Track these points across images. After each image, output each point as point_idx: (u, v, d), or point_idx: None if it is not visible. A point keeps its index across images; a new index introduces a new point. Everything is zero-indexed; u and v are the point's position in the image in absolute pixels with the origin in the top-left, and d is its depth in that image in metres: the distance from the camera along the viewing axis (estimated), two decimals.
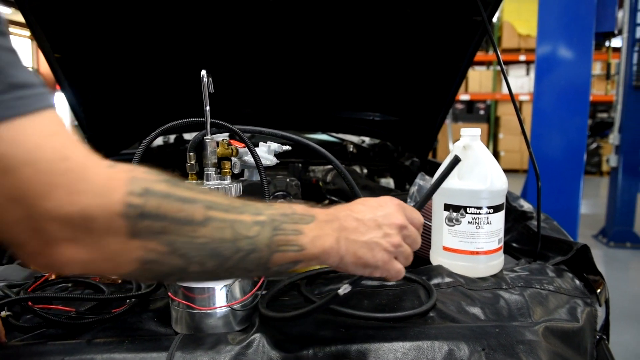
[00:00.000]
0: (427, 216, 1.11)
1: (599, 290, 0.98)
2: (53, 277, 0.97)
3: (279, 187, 1.43)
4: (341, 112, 2.03)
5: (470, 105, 8.49)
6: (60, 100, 1.90)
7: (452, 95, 1.79)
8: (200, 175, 0.90)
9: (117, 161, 0.53)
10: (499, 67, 7.09)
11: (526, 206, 1.37)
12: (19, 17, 1.40)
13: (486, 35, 1.43)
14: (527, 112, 4.80)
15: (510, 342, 0.77)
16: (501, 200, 1.03)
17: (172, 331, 0.82)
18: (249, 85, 1.86)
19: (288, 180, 1.45)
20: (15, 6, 1.38)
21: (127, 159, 0.78)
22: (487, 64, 8.51)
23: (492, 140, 8.49)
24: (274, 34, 1.61)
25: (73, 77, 1.67)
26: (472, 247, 1.01)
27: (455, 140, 1.10)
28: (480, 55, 7.83)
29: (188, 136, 2.38)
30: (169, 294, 0.82)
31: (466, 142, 1.05)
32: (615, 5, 3.95)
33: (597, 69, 7.58)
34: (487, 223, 1.01)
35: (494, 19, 6.75)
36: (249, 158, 0.95)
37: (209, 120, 0.88)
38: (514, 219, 1.34)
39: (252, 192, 0.82)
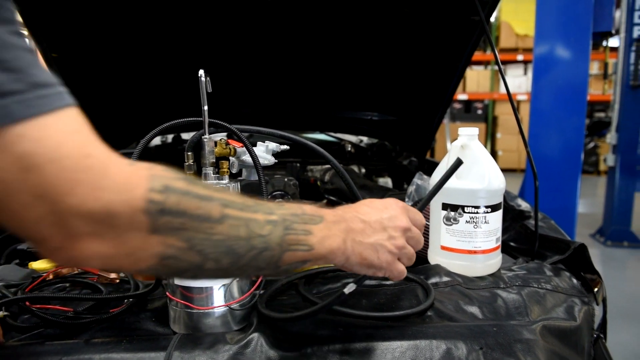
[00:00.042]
0: (425, 215, 1.11)
1: (596, 289, 0.99)
2: (51, 277, 0.97)
3: (277, 186, 1.43)
4: (339, 111, 2.03)
5: (468, 104, 8.49)
6: None
7: (450, 95, 1.80)
8: (198, 175, 0.90)
9: None
10: (496, 67, 7.10)
11: (524, 205, 1.37)
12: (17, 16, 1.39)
13: (484, 34, 1.43)
14: (525, 111, 4.82)
15: (507, 341, 0.77)
16: (499, 199, 1.03)
17: (170, 331, 0.82)
18: (247, 85, 1.86)
19: (286, 179, 1.45)
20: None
21: None
22: (485, 63, 8.52)
23: (489, 139, 8.50)
24: (272, 34, 1.61)
25: (70, 76, 1.66)
26: (469, 247, 1.01)
27: (453, 139, 1.10)
28: (478, 55, 7.83)
29: (186, 136, 2.38)
30: (167, 293, 0.82)
31: (464, 142, 1.05)
32: (612, 5, 3.96)
33: (594, 68, 7.59)
34: (485, 222, 1.01)
35: (492, 19, 6.76)
36: (247, 157, 0.95)
37: (206, 119, 0.88)
38: (512, 218, 1.34)
39: (250, 191, 0.82)
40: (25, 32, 0.47)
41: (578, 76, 3.48)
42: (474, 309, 0.88)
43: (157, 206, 0.50)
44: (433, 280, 0.96)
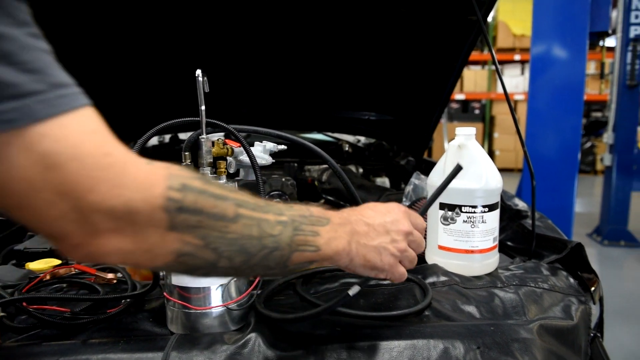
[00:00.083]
0: (424, 217, 1.11)
1: (593, 289, 0.99)
2: (48, 277, 0.96)
3: (274, 186, 1.43)
4: (337, 111, 2.03)
5: (465, 104, 8.51)
6: None
7: (447, 95, 1.80)
8: None
9: None
10: (494, 67, 7.11)
11: (521, 205, 1.37)
12: None
13: (481, 34, 1.43)
14: (522, 111, 4.83)
15: (505, 340, 0.77)
16: (496, 199, 1.03)
17: (167, 331, 0.82)
18: (245, 84, 1.86)
19: (284, 179, 1.45)
20: None
21: None
22: (482, 63, 8.53)
23: (487, 139, 8.52)
24: (270, 34, 1.61)
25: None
26: (467, 246, 1.01)
27: (451, 139, 1.10)
28: (475, 55, 7.84)
29: (183, 136, 2.37)
30: (165, 294, 0.82)
31: (461, 141, 1.05)
32: (609, 5, 3.97)
33: (591, 68, 7.61)
34: (482, 222, 1.01)
35: (489, 19, 6.78)
36: (245, 157, 0.95)
37: (204, 119, 0.88)
38: (509, 217, 1.35)
39: (248, 191, 0.82)
40: (40, 33, 0.48)
41: (575, 76, 3.49)
42: (471, 309, 0.88)
43: (175, 204, 0.51)
44: (430, 279, 0.96)
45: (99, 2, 1.43)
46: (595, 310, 0.97)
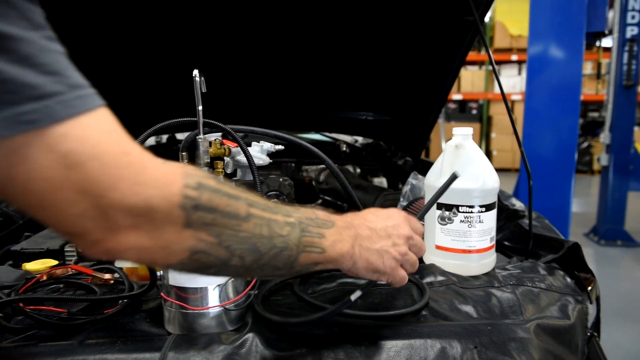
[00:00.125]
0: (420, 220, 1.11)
1: (589, 288, 0.99)
2: (44, 278, 0.96)
3: (271, 186, 1.43)
4: (334, 111, 2.03)
5: (462, 104, 8.52)
6: None
7: (445, 95, 1.80)
8: None
9: None
10: (491, 67, 7.13)
11: (518, 205, 1.37)
12: None
13: (478, 35, 1.43)
14: (519, 111, 4.83)
15: (502, 339, 0.78)
16: (493, 199, 1.04)
17: (164, 331, 0.82)
18: (243, 84, 1.86)
19: (281, 179, 1.45)
20: None
21: None
22: (480, 63, 8.54)
23: (484, 139, 8.53)
24: (268, 34, 1.61)
25: None
26: (464, 246, 1.02)
27: (448, 139, 1.10)
28: (472, 55, 7.86)
29: (181, 136, 2.37)
30: (162, 294, 0.82)
31: (458, 141, 1.05)
32: (605, 6, 3.98)
33: (588, 68, 7.64)
34: (479, 222, 1.01)
35: (486, 19, 6.78)
36: (242, 158, 0.95)
37: (201, 119, 0.88)
38: (506, 217, 1.35)
39: None
40: (55, 36, 0.49)
41: (572, 76, 3.50)
42: (468, 308, 0.88)
43: (192, 202, 0.52)
44: (428, 279, 0.96)
45: (99, 2, 1.43)
46: (592, 309, 0.97)
